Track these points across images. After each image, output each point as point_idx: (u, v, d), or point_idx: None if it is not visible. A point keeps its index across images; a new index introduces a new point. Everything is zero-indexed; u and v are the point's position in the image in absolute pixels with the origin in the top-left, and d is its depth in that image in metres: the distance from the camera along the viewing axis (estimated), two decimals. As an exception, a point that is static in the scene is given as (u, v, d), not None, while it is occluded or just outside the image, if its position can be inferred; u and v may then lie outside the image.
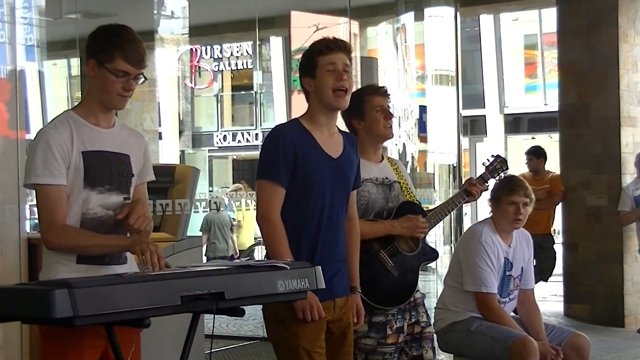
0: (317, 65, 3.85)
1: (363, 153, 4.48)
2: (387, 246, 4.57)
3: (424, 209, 4.84)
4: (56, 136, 3.34)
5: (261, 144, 3.92)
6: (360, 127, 4.62)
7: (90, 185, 3.38)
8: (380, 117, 4.61)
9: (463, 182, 5.04)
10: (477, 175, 5.05)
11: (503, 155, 5.21)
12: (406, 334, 4.61)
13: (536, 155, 10.23)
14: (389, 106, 4.68)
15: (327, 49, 3.86)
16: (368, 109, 4.61)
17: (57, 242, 3.33)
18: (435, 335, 5.27)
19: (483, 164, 5.15)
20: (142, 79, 3.44)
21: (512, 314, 5.39)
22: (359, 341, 4.40)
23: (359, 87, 9.43)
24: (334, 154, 3.90)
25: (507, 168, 5.11)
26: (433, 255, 4.83)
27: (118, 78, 3.37)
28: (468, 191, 4.87)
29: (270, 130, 3.95)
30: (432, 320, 5.30)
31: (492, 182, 5.16)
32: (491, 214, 5.28)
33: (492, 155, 5.17)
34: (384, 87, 4.88)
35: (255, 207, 4.36)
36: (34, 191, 3.42)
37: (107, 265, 3.40)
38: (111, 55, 3.35)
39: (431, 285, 9.61)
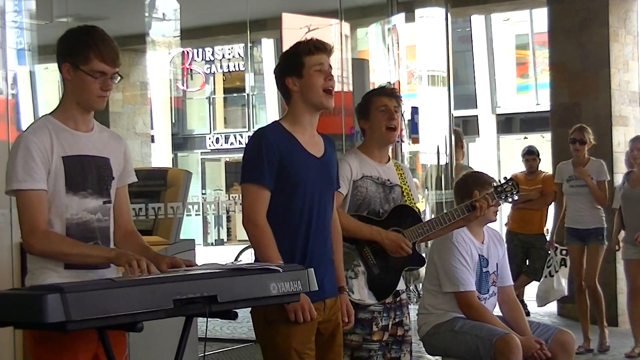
0: (304, 65, 3.86)
1: (367, 151, 4.74)
2: (373, 243, 4.60)
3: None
4: (36, 141, 3.31)
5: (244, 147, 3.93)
6: (367, 127, 4.78)
7: (72, 190, 3.36)
8: (383, 117, 4.68)
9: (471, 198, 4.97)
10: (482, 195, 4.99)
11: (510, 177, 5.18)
12: (390, 334, 4.66)
13: (538, 155, 10.27)
14: (396, 107, 4.73)
15: (315, 49, 3.88)
16: (372, 109, 4.74)
17: (40, 247, 3.30)
18: (421, 341, 5.31)
19: (493, 184, 5.14)
20: (118, 78, 3.43)
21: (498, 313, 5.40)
22: (345, 337, 4.40)
23: (350, 88, 9.47)
24: (317, 154, 3.93)
25: (518, 192, 5.07)
26: (419, 261, 4.86)
27: (96, 79, 3.34)
28: (473, 205, 4.86)
29: (253, 133, 3.97)
30: (416, 327, 5.33)
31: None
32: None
33: (505, 178, 5.16)
34: (393, 88, 4.96)
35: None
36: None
37: (94, 269, 3.38)
38: (86, 57, 3.32)
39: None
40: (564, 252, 8.90)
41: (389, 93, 4.82)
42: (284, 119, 3.95)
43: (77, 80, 3.37)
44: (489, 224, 5.39)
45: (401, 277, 4.74)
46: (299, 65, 3.87)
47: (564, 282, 9.02)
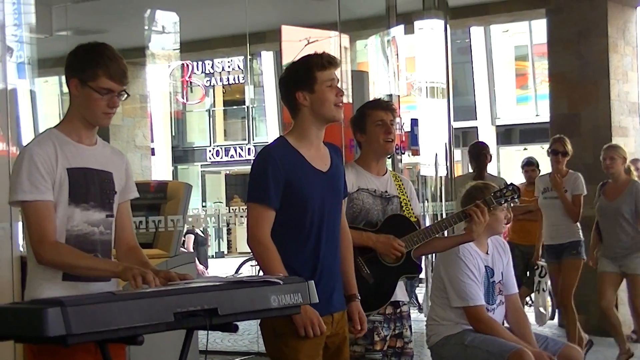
0: (316, 79, 3.85)
1: (364, 164, 4.74)
2: (366, 253, 4.59)
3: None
4: (41, 152, 3.34)
5: (251, 165, 3.93)
6: (363, 140, 4.76)
7: (74, 202, 3.38)
8: (380, 131, 4.67)
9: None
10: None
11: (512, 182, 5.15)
12: (388, 346, 4.67)
13: (537, 166, 10.27)
14: (392, 121, 4.73)
15: (328, 64, 3.87)
16: (369, 122, 4.72)
17: (49, 257, 3.31)
18: (429, 350, 5.30)
19: (493, 190, 5.14)
20: (125, 96, 3.45)
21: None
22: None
23: (350, 100, 9.48)
24: (323, 168, 3.92)
25: (519, 196, 5.03)
26: (414, 269, 4.81)
27: (102, 96, 3.37)
28: (467, 213, 4.82)
29: (259, 151, 3.97)
30: (425, 337, 5.31)
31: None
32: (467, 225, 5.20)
33: (506, 183, 5.13)
34: (388, 101, 4.96)
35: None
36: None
37: (92, 282, 3.39)
38: (94, 74, 3.35)
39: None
40: (543, 271, 8.80)
41: (385, 106, 4.80)
42: (290, 133, 3.94)
43: (84, 96, 3.39)
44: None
45: (398, 286, 4.72)
46: (311, 79, 3.85)
47: (548, 304, 8.92)
